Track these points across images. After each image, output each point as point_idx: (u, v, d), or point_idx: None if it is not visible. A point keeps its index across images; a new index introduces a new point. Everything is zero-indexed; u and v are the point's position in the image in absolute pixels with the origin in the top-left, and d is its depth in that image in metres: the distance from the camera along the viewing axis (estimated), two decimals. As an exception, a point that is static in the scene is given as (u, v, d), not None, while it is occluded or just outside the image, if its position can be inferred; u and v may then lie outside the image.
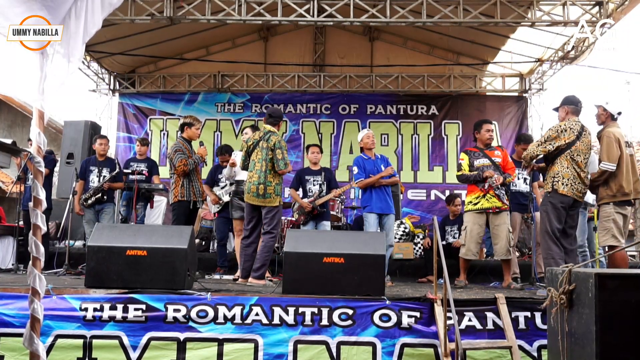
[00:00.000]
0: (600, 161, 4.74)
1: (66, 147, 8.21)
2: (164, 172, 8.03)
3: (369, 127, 9.73)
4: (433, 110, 10.01)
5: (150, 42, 9.26)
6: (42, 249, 2.25)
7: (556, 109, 5.04)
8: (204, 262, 6.41)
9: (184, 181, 5.81)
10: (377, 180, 5.76)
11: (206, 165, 8.64)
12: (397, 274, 6.54)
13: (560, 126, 4.75)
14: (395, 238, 6.90)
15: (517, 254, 5.96)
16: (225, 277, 6.13)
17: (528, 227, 5.84)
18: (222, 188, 6.44)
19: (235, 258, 6.57)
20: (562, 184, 4.65)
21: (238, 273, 5.58)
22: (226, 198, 6.30)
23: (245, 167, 5.42)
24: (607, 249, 4.90)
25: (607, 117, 4.83)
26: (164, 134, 10.10)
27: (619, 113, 4.83)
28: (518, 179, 5.98)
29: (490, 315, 3.96)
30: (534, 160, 5.02)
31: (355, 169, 5.93)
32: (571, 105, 4.87)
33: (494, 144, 5.96)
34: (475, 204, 5.46)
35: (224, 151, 6.75)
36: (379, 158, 6.03)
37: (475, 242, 5.47)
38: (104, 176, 6.65)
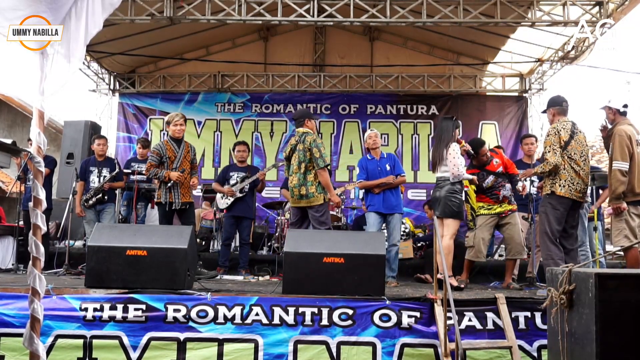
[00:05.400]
0: (612, 161, 4.63)
1: (66, 147, 8.23)
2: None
3: (369, 127, 9.72)
4: (433, 110, 10.01)
5: (150, 42, 9.25)
6: (42, 249, 2.25)
7: (544, 112, 5.03)
8: (204, 262, 6.39)
9: (160, 183, 5.64)
10: (377, 184, 5.78)
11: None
12: (397, 274, 6.52)
13: (555, 128, 4.73)
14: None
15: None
16: (226, 277, 6.11)
17: (529, 226, 5.84)
18: (233, 186, 6.45)
19: (236, 258, 6.57)
20: (560, 185, 4.64)
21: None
22: (238, 194, 6.35)
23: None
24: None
25: (615, 114, 4.77)
26: (164, 134, 10.06)
27: (625, 106, 4.75)
28: (525, 180, 5.97)
29: (490, 315, 3.97)
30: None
31: (357, 170, 6.03)
32: (555, 106, 4.85)
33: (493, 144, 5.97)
34: (489, 208, 5.53)
35: (240, 143, 6.85)
36: (384, 158, 6.01)
37: (485, 245, 5.57)
38: (104, 176, 6.64)
